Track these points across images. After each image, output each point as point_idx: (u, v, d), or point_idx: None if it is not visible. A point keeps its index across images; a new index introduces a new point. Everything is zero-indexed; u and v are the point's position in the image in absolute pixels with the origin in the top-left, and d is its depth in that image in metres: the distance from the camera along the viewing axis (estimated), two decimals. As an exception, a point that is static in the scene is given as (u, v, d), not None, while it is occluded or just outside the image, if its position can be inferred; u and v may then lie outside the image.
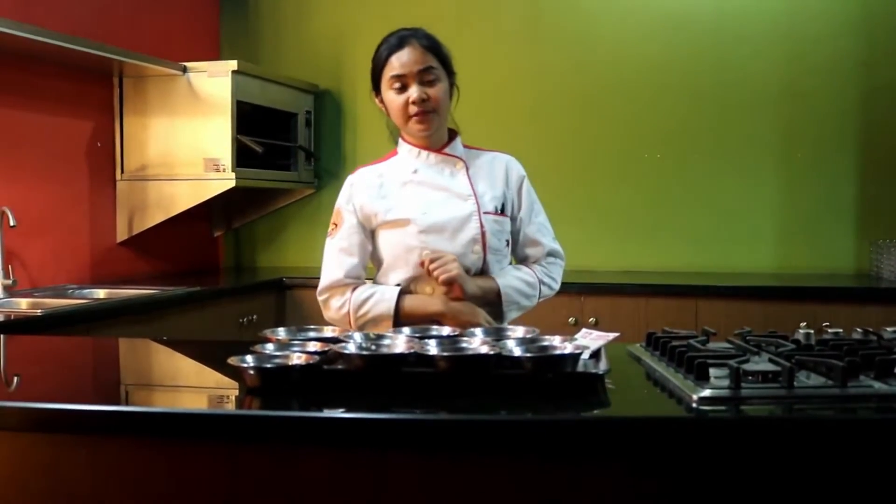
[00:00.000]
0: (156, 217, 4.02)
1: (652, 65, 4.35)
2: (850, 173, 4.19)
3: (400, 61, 2.23)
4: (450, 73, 2.31)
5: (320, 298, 2.34)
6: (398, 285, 2.27)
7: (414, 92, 2.22)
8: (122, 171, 4.03)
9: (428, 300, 2.25)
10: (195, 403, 1.73)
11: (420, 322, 2.12)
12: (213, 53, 4.75)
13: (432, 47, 2.27)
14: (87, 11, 3.80)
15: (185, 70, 3.97)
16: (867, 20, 4.15)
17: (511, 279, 2.31)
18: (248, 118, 4.09)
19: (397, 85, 2.24)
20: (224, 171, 3.93)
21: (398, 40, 2.26)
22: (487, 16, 4.48)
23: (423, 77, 2.23)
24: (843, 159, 4.20)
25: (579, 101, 4.43)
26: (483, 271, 2.28)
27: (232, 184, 3.94)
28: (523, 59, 4.45)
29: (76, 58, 3.50)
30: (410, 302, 2.25)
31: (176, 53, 4.13)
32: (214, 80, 3.95)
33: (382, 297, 2.26)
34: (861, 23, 4.16)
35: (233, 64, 3.97)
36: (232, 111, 3.94)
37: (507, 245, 2.35)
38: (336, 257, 2.30)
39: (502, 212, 2.32)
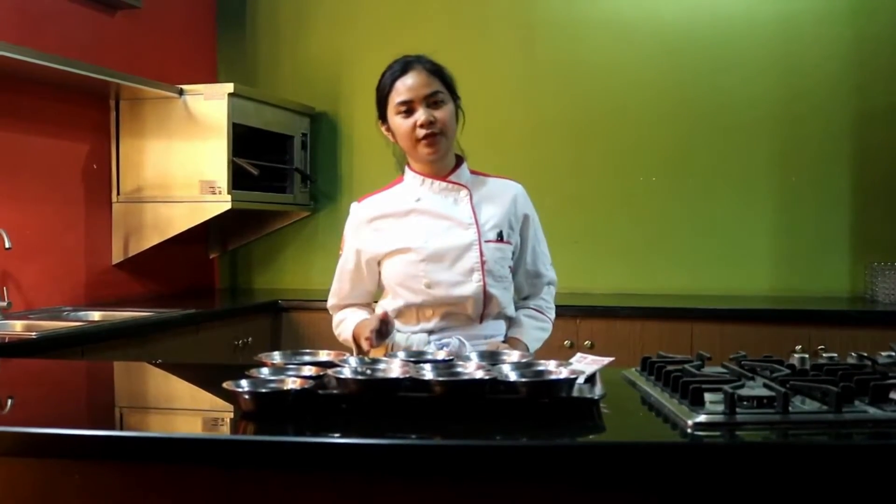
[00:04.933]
0: (151, 239, 4.02)
1: (647, 89, 4.37)
2: (844, 196, 4.21)
3: (405, 86, 2.25)
4: (455, 96, 2.32)
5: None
6: (403, 306, 2.31)
7: (421, 115, 2.23)
8: (118, 193, 4.04)
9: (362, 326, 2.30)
10: (189, 428, 1.72)
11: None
12: (210, 76, 4.77)
13: (437, 71, 2.29)
14: (84, 34, 3.81)
15: (181, 93, 3.98)
16: (860, 45, 4.18)
17: (531, 331, 2.40)
18: (244, 140, 4.09)
19: (404, 109, 2.25)
20: (220, 193, 3.94)
21: (403, 66, 2.28)
22: (483, 41, 4.50)
23: (430, 100, 2.25)
24: (837, 182, 4.21)
25: (575, 126, 4.44)
26: (487, 299, 2.28)
27: (228, 206, 3.95)
28: (519, 83, 4.48)
29: (72, 80, 3.51)
30: (356, 328, 2.35)
31: (172, 76, 4.15)
32: (211, 103, 3.96)
33: (345, 323, 2.42)
34: (854, 47, 4.19)
35: (229, 87, 3.98)
36: (228, 133, 3.95)
37: (510, 271, 2.36)
38: (335, 282, 2.46)
39: (504, 239, 2.32)
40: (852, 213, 4.20)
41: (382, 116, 2.33)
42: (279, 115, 4.40)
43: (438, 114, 2.25)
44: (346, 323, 2.41)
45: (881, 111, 4.17)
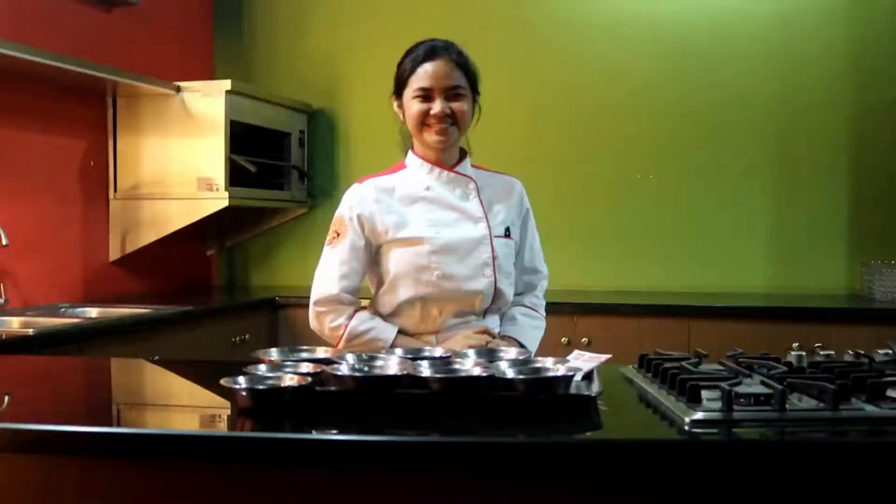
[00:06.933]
0: (149, 236, 4.01)
1: (644, 85, 4.37)
2: (841, 193, 4.21)
3: (427, 73, 2.18)
4: (475, 92, 2.28)
5: (316, 309, 2.28)
6: (406, 300, 2.24)
7: (437, 106, 2.17)
8: (116, 190, 4.03)
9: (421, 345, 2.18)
10: (186, 424, 1.72)
11: None
12: (207, 73, 4.75)
13: (463, 64, 2.23)
14: (81, 31, 3.80)
15: (178, 90, 3.97)
16: (857, 42, 4.18)
17: (529, 330, 2.35)
18: (241, 137, 4.09)
19: (422, 94, 2.20)
20: (217, 190, 3.94)
21: (428, 51, 2.21)
22: (480, 37, 4.49)
23: (449, 92, 2.20)
24: (834, 179, 4.21)
25: (572, 122, 4.44)
26: (496, 295, 2.26)
27: (225, 203, 3.94)
28: (516, 79, 4.47)
29: (69, 77, 3.50)
30: (404, 343, 2.20)
31: (169, 73, 4.14)
32: (208, 100, 3.95)
33: (379, 336, 2.24)
34: (851, 45, 4.19)
35: (226, 83, 3.97)
36: (225, 130, 3.94)
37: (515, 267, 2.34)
38: (336, 269, 2.24)
39: (510, 235, 2.30)
40: (849, 210, 4.20)
41: (398, 93, 2.28)
42: (277, 112, 4.40)
43: (455, 106, 2.20)
44: (378, 333, 2.22)
45: (879, 108, 4.17)
